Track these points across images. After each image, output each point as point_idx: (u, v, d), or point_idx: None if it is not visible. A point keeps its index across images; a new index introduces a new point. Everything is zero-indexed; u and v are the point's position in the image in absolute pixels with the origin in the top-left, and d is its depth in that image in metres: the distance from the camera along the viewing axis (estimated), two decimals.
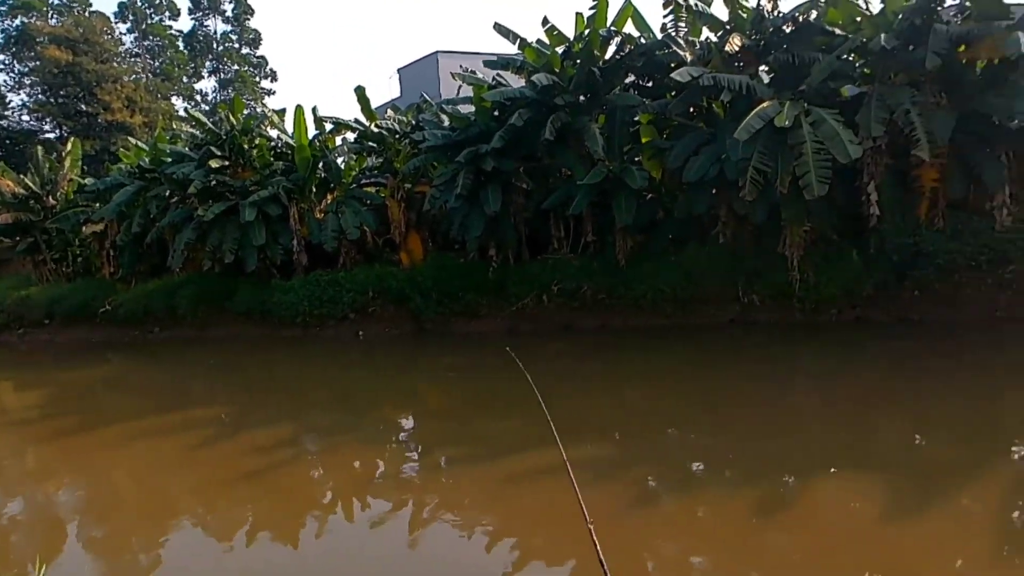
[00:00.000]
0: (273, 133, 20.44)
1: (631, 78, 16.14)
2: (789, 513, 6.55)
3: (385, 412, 11.31)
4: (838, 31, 13.48)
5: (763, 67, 14.18)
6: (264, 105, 41.14)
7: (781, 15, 13.73)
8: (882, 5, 12.94)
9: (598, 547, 2.87)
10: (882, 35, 12.13)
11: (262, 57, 61.44)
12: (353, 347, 16.17)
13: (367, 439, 9.94)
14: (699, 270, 13.82)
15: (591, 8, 15.43)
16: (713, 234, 14.30)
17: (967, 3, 12.40)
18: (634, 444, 8.74)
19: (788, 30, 13.71)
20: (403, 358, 15.07)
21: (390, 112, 20.41)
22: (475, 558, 6.28)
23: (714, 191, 13.83)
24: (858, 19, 13.18)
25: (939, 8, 12.40)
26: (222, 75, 60.34)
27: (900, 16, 12.56)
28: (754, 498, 6.82)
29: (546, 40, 16.31)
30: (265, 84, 61.47)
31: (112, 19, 55.40)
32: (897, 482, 6.83)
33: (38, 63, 48.59)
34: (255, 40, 60.68)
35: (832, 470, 7.24)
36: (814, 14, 13.46)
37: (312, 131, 19.49)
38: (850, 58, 13.37)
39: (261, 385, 13.95)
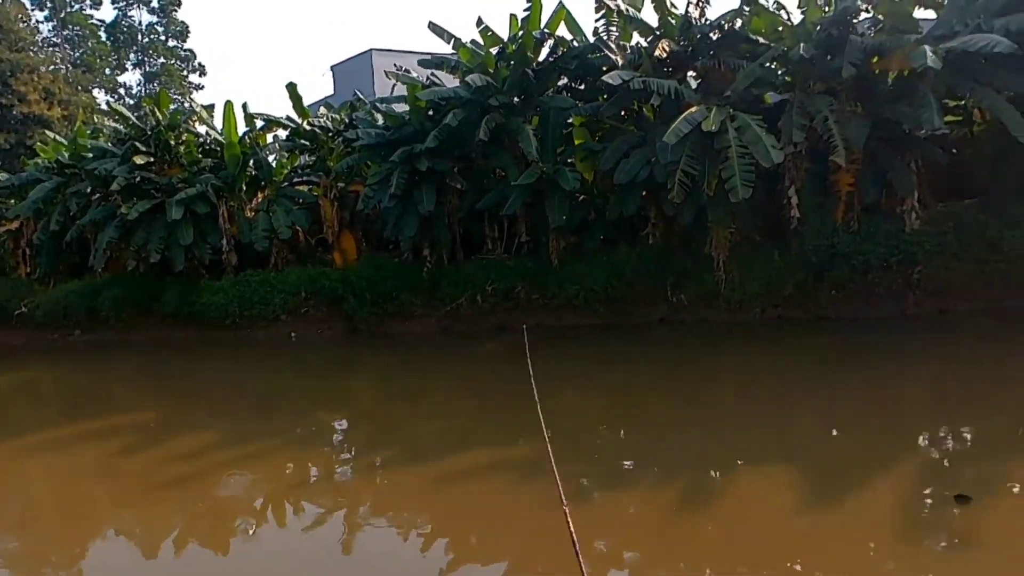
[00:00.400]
0: (201, 129, 19.92)
1: (564, 80, 16.36)
2: (713, 505, 6.80)
3: (318, 415, 11.21)
4: (761, 40, 14.00)
5: (691, 72, 14.63)
6: (192, 100, 39.87)
7: (708, 22, 14.15)
8: (802, 16, 13.51)
9: (572, 528, 2.99)
10: (802, 45, 12.66)
11: (190, 50, 59.42)
12: (285, 349, 15.94)
13: (300, 443, 9.86)
14: (629, 270, 14.17)
15: (525, 10, 15.59)
16: (643, 235, 14.68)
17: (879, 17, 13.05)
18: (563, 442, 8.86)
19: (715, 37, 14.16)
20: (336, 360, 14.96)
21: (323, 110, 20.16)
22: (410, 560, 6.29)
23: (644, 193, 14.18)
24: (780, 28, 13.72)
25: (854, 20, 13.03)
26: (147, 68, 58.17)
27: (819, 27, 13.13)
28: (680, 491, 7.08)
29: (480, 41, 16.39)
30: (193, 78, 59.48)
31: (28, 6, 52.65)
32: (814, 472, 7.19)
33: None
34: (182, 32, 58.68)
35: (754, 463, 7.55)
36: (739, 22, 13.93)
37: (242, 128, 19.05)
38: (773, 66, 13.88)
39: (189, 389, 13.60)
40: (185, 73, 58.72)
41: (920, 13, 13.46)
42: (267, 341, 16.35)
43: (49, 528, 7.75)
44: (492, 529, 6.65)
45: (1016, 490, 6.54)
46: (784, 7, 13.60)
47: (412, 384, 12.43)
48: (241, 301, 16.65)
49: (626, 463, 8.19)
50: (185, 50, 59.09)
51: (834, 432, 8.69)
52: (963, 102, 13.45)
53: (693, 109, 12.62)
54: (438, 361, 13.89)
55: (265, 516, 7.81)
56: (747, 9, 13.72)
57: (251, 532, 7.38)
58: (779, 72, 14.14)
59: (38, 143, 24.38)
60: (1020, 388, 9.28)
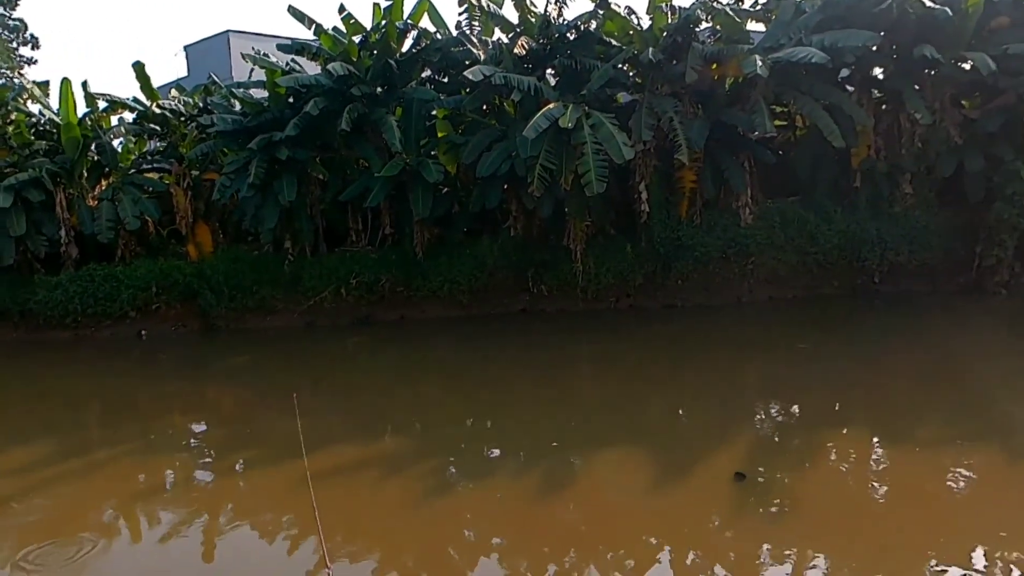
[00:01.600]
0: (34, 108, 18.23)
1: (428, 72, 16.43)
2: (574, 487, 7.32)
3: (173, 419, 10.80)
4: (614, 42, 14.73)
5: (550, 70, 15.14)
6: (22, 76, 36.36)
7: (565, 22, 14.66)
8: (650, 21, 14.33)
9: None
10: (650, 49, 13.48)
11: (20, 20, 53.69)
12: (135, 349, 15.06)
13: (152, 449, 9.45)
14: (492, 262, 14.58)
15: (387, 0, 15.48)
16: (505, 227, 15.11)
17: (717, 27, 14.11)
18: (431, 434, 9.18)
19: (571, 37, 14.70)
20: (192, 359, 14.35)
21: (175, 92, 19.05)
22: (276, 563, 6.28)
23: (505, 186, 14.61)
24: (631, 32, 14.48)
25: (696, 29, 14.01)
26: None
27: (665, 33, 14.00)
28: (542, 476, 7.53)
29: (343, 28, 16.10)
30: (24, 52, 53.86)
31: None
32: (662, 451, 7.90)
33: None
34: (11, 1, 53.00)
35: (608, 445, 8.15)
36: (594, 24, 14.54)
37: (83, 108, 17.64)
38: (624, 67, 14.65)
39: (18, 397, 12.45)
40: (15, 45, 52.94)
41: (752, 26, 14.69)
42: (113, 341, 15.37)
43: None
44: (358, 528, 6.78)
45: (832, 459, 7.53)
46: (635, 12, 14.36)
47: (272, 382, 12.17)
48: (83, 297, 15.49)
49: (492, 452, 8.56)
50: (14, 19, 53.28)
51: (680, 412, 9.50)
52: (787, 108, 14.84)
53: (551, 106, 13.11)
54: (300, 357, 13.69)
55: (116, 528, 7.45)
56: (601, 12, 14.35)
57: (102, 547, 7.05)
58: (630, 73, 14.94)
59: None
60: (833, 369, 10.53)
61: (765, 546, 5.83)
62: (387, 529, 6.68)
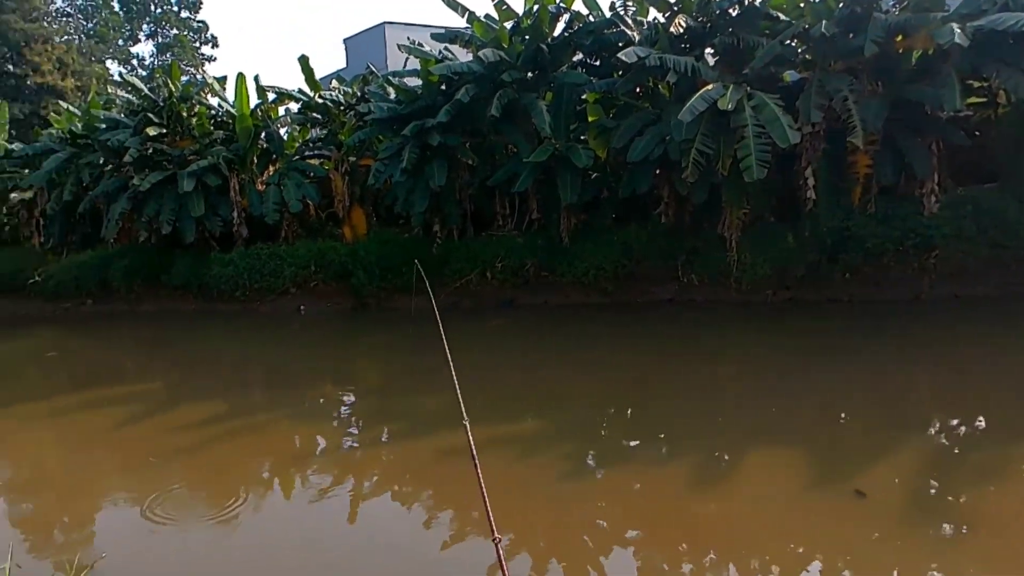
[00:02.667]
0: (213, 101, 19.85)
1: (579, 56, 16.14)
2: (719, 485, 6.77)
3: (324, 388, 11.22)
4: (782, 16, 13.70)
5: (708, 49, 14.36)
6: (204, 72, 39.80)
7: None
8: None
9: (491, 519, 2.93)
10: (823, 22, 12.36)
11: (202, 22, 59.15)
12: (293, 322, 15.95)
13: (306, 415, 9.87)
14: (640, 249, 14.05)
15: None
16: (655, 214, 14.51)
17: None
18: (569, 418, 8.86)
19: (734, 13, 13.87)
20: (344, 333, 14.96)
21: (335, 83, 20.02)
22: (413, 531, 6.31)
23: (657, 171, 14.01)
24: (801, 5, 13.41)
25: None
26: (160, 39, 57.99)
27: (841, 4, 12.83)
28: (685, 472, 7.04)
29: (495, 15, 16.17)
30: (206, 50, 59.32)
31: None
32: (820, 454, 7.13)
33: None
34: (195, 4, 58.41)
35: (758, 444, 7.48)
36: None
37: (254, 100, 18.96)
38: (792, 44, 13.61)
39: (196, 360, 13.64)
40: (197, 45, 58.56)
41: None
42: (275, 314, 16.37)
43: (59, 493, 7.81)
44: (495, 503, 6.59)
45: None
46: None
47: (417, 360, 12.39)
48: (251, 273, 16.67)
49: (632, 442, 8.15)
50: (198, 22, 58.88)
51: (841, 414, 8.60)
52: (987, 83, 13.13)
53: (709, 87, 12.40)
54: (447, 337, 13.81)
55: (271, 486, 7.83)
56: None
57: (257, 502, 7.40)
58: (799, 50, 13.85)
59: (52, 114, 24.48)
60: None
61: (932, 565, 5.05)
62: (519, 510, 6.45)
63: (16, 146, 22.74)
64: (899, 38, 12.50)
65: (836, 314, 12.78)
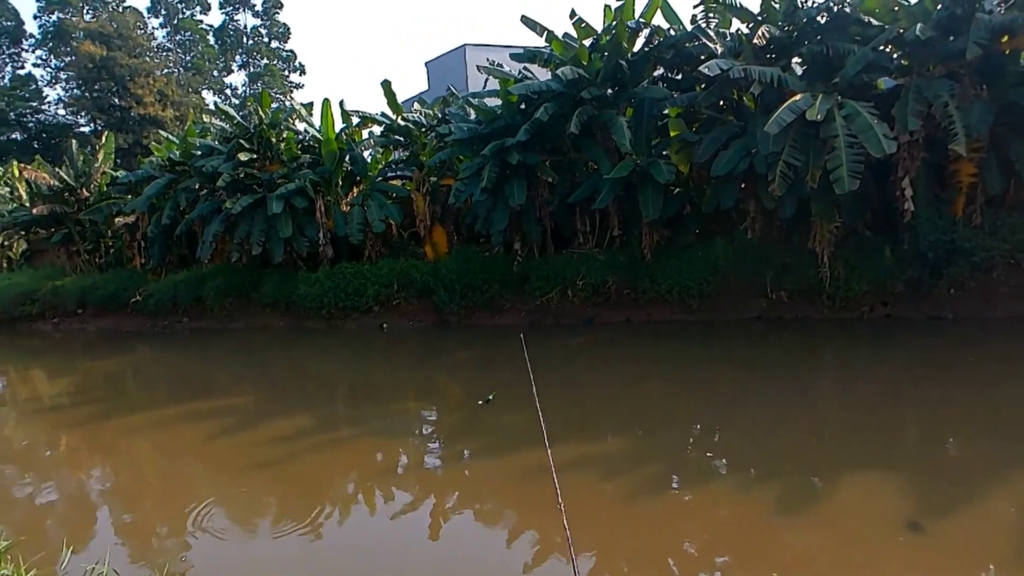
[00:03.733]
0: (301, 126, 20.57)
1: (660, 71, 15.93)
2: (810, 512, 6.40)
3: (407, 404, 11.30)
4: (874, 21, 13.14)
5: (795, 59, 13.91)
6: (292, 99, 41.54)
7: (815, 5, 13.41)
8: None
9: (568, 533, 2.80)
10: (919, 25, 11.81)
11: (291, 51, 62.13)
12: (376, 339, 16.20)
13: (389, 431, 9.95)
14: (725, 265, 13.61)
15: (619, 0, 15.24)
16: (740, 229, 14.06)
17: None
18: (654, 439, 8.61)
19: (822, 20, 13.40)
20: (426, 351, 15.05)
21: (417, 105, 20.40)
22: (496, 551, 6.26)
23: (742, 185, 13.60)
24: (895, 9, 12.82)
25: None
26: (252, 69, 61.08)
27: (939, 6, 12.21)
28: (775, 495, 6.70)
29: (574, 33, 16.18)
30: (294, 78, 62.20)
31: (145, 14, 56.41)
32: (925, 482, 6.65)
33: (73, 58, 49.69)
34: (284, 34, 61.34)
35: (854, 469, 7.06)
36: (849, 3, 13.13)
37: (339, 125, 19.56)
38: (886, 49, 13.02)
39: (284, 376, 14.04)
40: (286, 73, 61.38)
41: None
42: (359, 331, 16.69)
43: (156, 502, 8.10)
44: (577, 524, 6.44)
45: None
46: None
47: (499, 377, 12.34)
48: (336, 292, 17.09)
49: (719, 464, 7.83)
50: (286, 51, 61.76)
51: (948, 440, 8.02)
52: None
53: (797, 97, 11.98)
54: (528, 355, 13.74)
55: (356, 500, 7.93)
56: None
57: (342, 515, 7.49)
58: (894, 56, 13.23)
59: (152, 143, 25.95)
60: None
61: None
62: (602, 531, 6.28)
63: (120, 174, 24.20)
64: (1004, 39, 11.79)
65: (940, 332, 12.01)
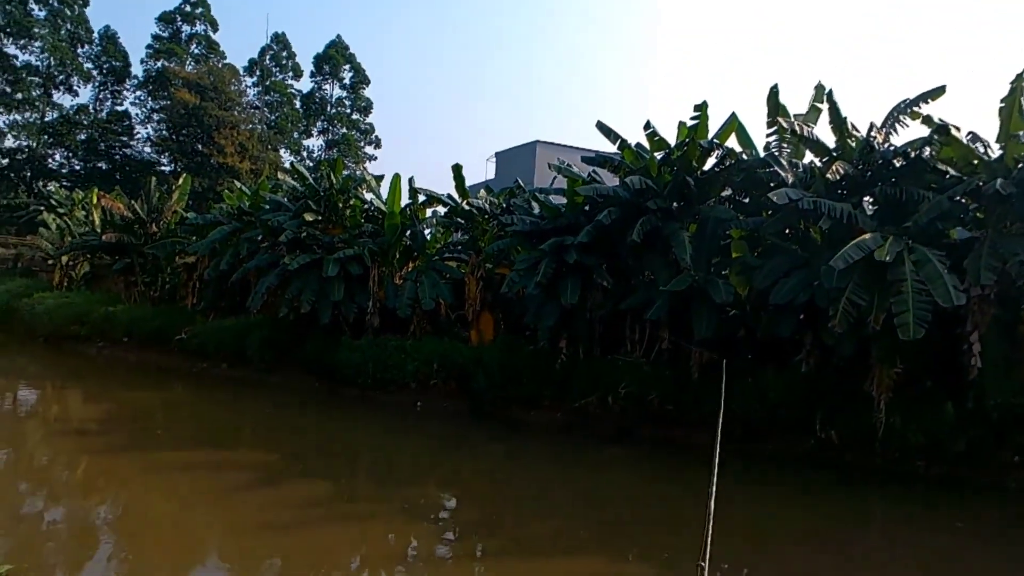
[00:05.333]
0: (368, 196, 21.13)
1: (728, 191, 16.01)
2: None
3: (428, 489, 10.97)
4: (951, 171, 13.05)
5: (867, 198, 13.84)
6: (364, 169, 42.98)
7: (892, 148, 13.41)
8: (1001, 151, 12.49)
9: None
10: (999, 180, 11.64)
11: (370, 124, 64.92)
12: (409, 416, 15.95)
13: (405, 513, 9.65)
14: (775, 397, 13.10)
15: (693, 119, 15.52)
16: (795, 361, 13.63)
17: None
18: (680, 566, 8.09)
19: (898, 164, 13.35)
20: (456, 436, 14.73)
21: (483, 192, 20.83)
22: None
23: (801, 317, 13.28)
24: (975, 162, 12.73)
25: None
26: (330, 135, 63.91)
27: (1020, 164, 12.08)
28: None
29: (646, 144, 16.46)
30: (368, 149, 64.72)
31: (241, 72, 59.93)
32: None
33: (168, 102, 52.80)
34: (366, 108, 64.33)
35: None
36: (927, 151, 13.09)
37: (405, 199, 20.04)
38: (962, 200, 12.85)
39: (311, 439, 13.84)
40: (362, 144, 64.00)
41: None
42: (393, 405, 16.47)
43: (159, 546, 7.89)
44: None
45: None
46: (981, 139, 12.60)
47: (528, 476, 11.97)
48: (376, 363, 16.98)
49: None
50: (366, 124, 64.56)
51: None
52: None
53: (866, 236, 11.80)
54: (558, 457, 13.34)
55: None
56: (937, 139, 12.86)
57: None
58: (970, 207, 13.05)
59: (226, 190, 26.98)
60: None
61: None
62: None
63: (190, 215, 25.12)
64: None
65: (999, 502, 11.24)
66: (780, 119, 14.42)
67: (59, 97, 55.49)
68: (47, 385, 18.96)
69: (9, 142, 53.37)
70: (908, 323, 11.09)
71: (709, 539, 3.47)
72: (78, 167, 54.47)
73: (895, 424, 11.99)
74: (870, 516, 10.79)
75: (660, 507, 10.70)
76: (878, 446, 12.10)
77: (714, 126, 15.70)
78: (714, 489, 3.75)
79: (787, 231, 14.62)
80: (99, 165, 54.26)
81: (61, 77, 54.82)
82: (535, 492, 11.03)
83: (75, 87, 55.79)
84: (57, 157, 55.16)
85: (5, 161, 53.28)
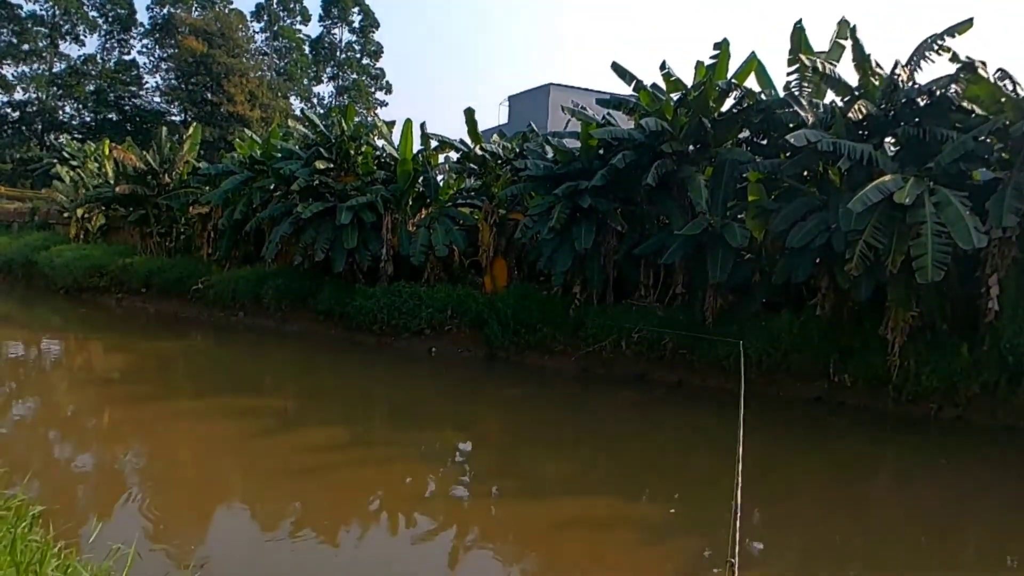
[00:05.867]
0: (380, 143, 20.93)
1: (745, 133, 15.70)
2: None
3: (444, 432, 11.14)
4: (977, 110, 12.67)
5: (889, 139, 13.52)
6: (375, 115, 42.54)
7: (916, 86, 13.02)
8: None
9: None
10: None
11: (380, 69, 64.01)
12: (423, 362, 16.13)
13: (422, 455, 9.85)
14: (789, 340, 13.08)
15: (712, 58, 15.13)
16: (810, 305, 13.56)
17: None
18: (691, 510, 8.20)
19: (922, 103, 12.96)
20: (471, 382, 14.91)
21: (496, 137, 20.56)
22: None
23: (817, 260, 13.16)
24: (1002, 100, 12.34)
25: None
26: (340, 82, 63.10)
27: None
28: None
29: (662, 85, 16.12)
30: (379, 95, 63.93)
31: (248, 17, 58.98)
32: None
33: (176, 51, 52.23)
34: (376, 52, 63.31)
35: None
36: (953, 90, 12.69)
37: (417, 146, 19.83)
38: (987, 140, 12.52)
39: (329, 385, 14.06)
40: (373, 90, 63.20)
41: None
42: (407, 352, 16.65)
43: (185, 491, 8.10)
44: None
45: None
46: (1010, 76, 12.19)
47: (542, 420, 12.12)
48: (390, 310, 17.12)
49: (756, 546, 7.43)
50: (376, 69, 63.66)
51: (1008, 558, 7.46)
52: None
53: (887, 178, 11.57)
54: (572, 401, 13.50)
55: (378, 519, 7.87)
56: (964, 76, 12.45)
57: (363, 532, 7.40)
58: (995, 147, 12.72)
59: (237, 139, 26.79)
60: None
61: None
62: None
63: (202, 165, 25.06)
64: None
65: (1013, 444, 11.27)
66: (802, 56, 14.03)
67: (66, 47, 55.12)
68: (69, 336, 19.28)
69: (19, 95, 53.27)
70: (927, 266, 10.97)
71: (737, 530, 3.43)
72: (88, 119, 54.30)
73: (909, 368, 11.97)
74: (882, 459, 10.86)
75: (673, 450, 10.82)
76: (891, 390, 12.11)
77: (733, 67, 15.33)
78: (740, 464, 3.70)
79: (805, 173, 14.36)
80: (109, 116, 54.06)
81: (67, 27, 54.27)
82: (549, 436, 11.18)
83: (81, 36, 55.31)
84: (67, 109, 55.03)
85: (16, 114, 53.22)
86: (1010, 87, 12.11)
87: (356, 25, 62.67)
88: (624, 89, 16.85)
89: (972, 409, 11.75)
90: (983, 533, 8.12)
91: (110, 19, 55.98)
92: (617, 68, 16.62)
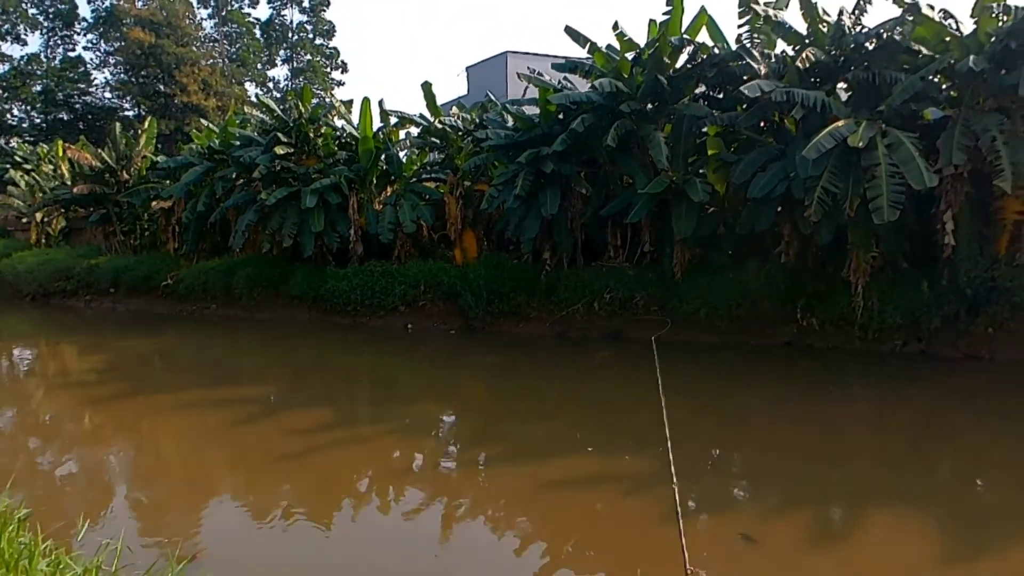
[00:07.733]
0: (339, 123, 20.72)
1: (701, 88, 15.80)
2: (834, 544, 6.33)
3: (427, 406, 11.29)
4: (924, 51, 12.91)
5: (841, 84, 13.73)
6: (332, 95, 41.91)
7: (864, 31, 13.21)
8: (974, 26, 12.34)
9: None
10: (972, 57, 11.56)
11: (334, 48, 62.95)
12: (400, 339, 16.23)
13: (407, 430, 9.95)
14: (756, 289, 13.39)
15: (664, 15, 15.17)
16: (774, 253, 13.85)
17: None
18: (675, 459, 8.48)
19: (870, 47, 13.17)
20: (449, 354, 15.05)
21: (455, 109, 20.48)
22: (504, 559, 6.25)
23: (779, 209, 13.41)
24: (947, 39, 12.58)
25: None
26: (295, 64, 61.98)
27: (993, 38, 11.96)
28: (797, 526, 6.60)
29: (617, 46, 16.13)
30: (335, 75, 62.98)
31: (194, 5, 57.48)
32: (950, 523, 6.50)
33: (123, 43, 50.85)
34: (329, 31, 62.18)
35: (881, 505, 6.89)
36: (899, 31, 12.91)
37: (377, 124, 19.70)
38: (935, 80, 12.78)
39: (308, 369, 14.12)
40: (328, 70, 62.20)
41: None
42: (383, 330, 16.73)
43: (172, 485, 8.17)
44: (591, 540, 6.41)
45: None
46: (953, 17, 12.43)
47: (522, 385, 12.32)
48: (363, 289, 17.16)
49: (739, 489, 7.72)
50: (330, 48, 62.60)
51: (977, 481, 7.82)
52: None
53: (840, 123, 11.79)
54: (551, 365, 13.70)
55: (369, 497, 7.95)
56: (910, 18, 12.66)
57: (355, 511, 7.51)
58: (943, 87, 12.99)
59: (193, 130, 26.35)
60: None
61: None
62: (618, 549, 6.21)
63: (160, 159, 24.64)
64: None
65: (976, 371, 11.71)
66: (752, 4, 14.12)
67: (7, 48, 53.51)
68: (41, 342, 19.05)
69: None
70: (882, 207, 11.25)
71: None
72: (38, 120, 52.87)
73: (873, 306, 12.34)
74: (850, 393, 11.21)
75: (652, 404, 11.06)
76: (857, 329, 12.49)
77: (685, 22, 15.37)
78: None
79: (762, 124, 14.54)
80: (60, 116, 52.64)
81: (6, 27, 52.53)
82: (531, 400, 11.37)
83: (23, 35, 53.62)
84: (15, 112, 53.47)
85: None
86: (954, 26, 12.35)
87: (306, 4, 61.39)
88: (579, 52, 16.85)
89: (935, 342, 12.18)
90: (956, 450, 8.50)
91: (51, 16, 54.28)
92: (570, 31, 16.59)
